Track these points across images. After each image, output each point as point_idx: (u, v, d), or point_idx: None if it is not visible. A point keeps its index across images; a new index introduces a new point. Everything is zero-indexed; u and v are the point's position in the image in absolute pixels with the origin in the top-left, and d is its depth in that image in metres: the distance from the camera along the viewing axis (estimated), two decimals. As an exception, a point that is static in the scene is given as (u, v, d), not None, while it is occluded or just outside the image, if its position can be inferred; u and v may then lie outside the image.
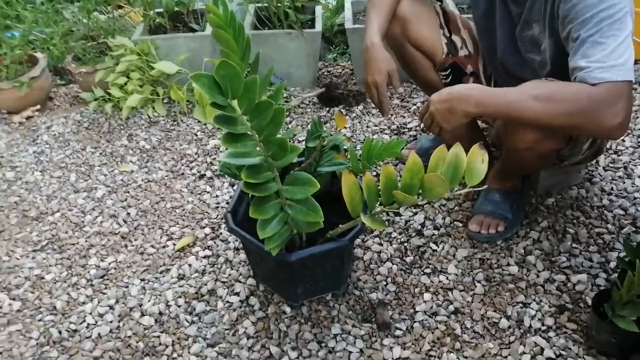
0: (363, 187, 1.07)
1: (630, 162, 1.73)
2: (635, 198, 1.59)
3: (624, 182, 1.65)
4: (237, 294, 1.39)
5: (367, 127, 2.02)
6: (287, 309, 1.34)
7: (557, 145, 1.27)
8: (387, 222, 1.57)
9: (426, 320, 1.30)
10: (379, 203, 1.09)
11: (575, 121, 1.07)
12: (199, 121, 2.10)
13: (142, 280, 1.46)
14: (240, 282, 1.43)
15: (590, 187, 1.64)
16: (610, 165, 1.73)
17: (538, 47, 1.28)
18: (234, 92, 0.94)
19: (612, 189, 1.63)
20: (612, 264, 1.40)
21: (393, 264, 1.45)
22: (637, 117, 1.92)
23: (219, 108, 0.97)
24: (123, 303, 1.40)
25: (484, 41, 1.50)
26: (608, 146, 1.80)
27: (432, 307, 1.33)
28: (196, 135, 2.05)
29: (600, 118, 1.05)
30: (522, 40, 1.30)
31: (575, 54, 1.09)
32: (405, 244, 1.51)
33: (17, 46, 2.22)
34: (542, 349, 1.22)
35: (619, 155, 1.76)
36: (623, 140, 1.82)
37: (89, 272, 1.49)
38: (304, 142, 1.34)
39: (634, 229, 1.50)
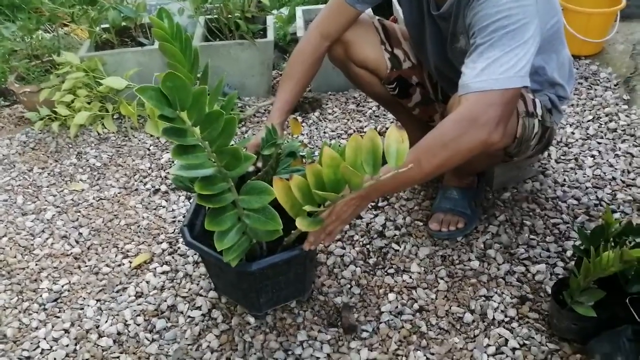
0: (294, 191, 1.04)
1: (580, 153, 1.78)
2: (587, 188, 1.64)
3: (576, 173, 1.70)
4: (199, 308, 1.35)
5: (324, 132, 2.01)
6: (251, 320, 1.31)
7: (503, 145, 1.28)
8: (349, 225, 1.56)
9: (392, 320, 1.29)
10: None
11: (462, 147, 1.10)
12: (151, 135, 2.05)
13: (98, 300, 1.40)
14: (201, 295, 1.39)
15: (544, 180, 1.68)
16: (562, 157, 1.78)
17: None
18: (182, 104, 0.92)
19: (564, 180, 1.68)
20: (569, 253, 1.43)
21: (356, 267, 1.44)
22: (585, 111, 1.99)
23: (167, 120, 0.94)
24: (79, 325, 1.34)
25: (418, 53, 1.53)
26: (559, 139, 1.85)
27: (397, 307, 1.32)
28: (149, 149, 2.00)
29: (475, 134, 1.09)
30: (453, 52, 1.33)
31: (468, 57, 1.14)
32: (368, 246, 1.50)
33: (-46, 68, 2.12)
34: (507, 340, 1.23)
35: (569, 148, 1.81)
36: (573, 133, 1.88)
37: (40, 296, 1.42)
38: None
39: (587, 217, 1.53)
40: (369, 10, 2.28)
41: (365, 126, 2.02)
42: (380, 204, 1.64)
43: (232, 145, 1.00)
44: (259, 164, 1.32)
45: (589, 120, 1.93)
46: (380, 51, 1.52)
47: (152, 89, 0.91)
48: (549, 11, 1.23)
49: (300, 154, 1.32)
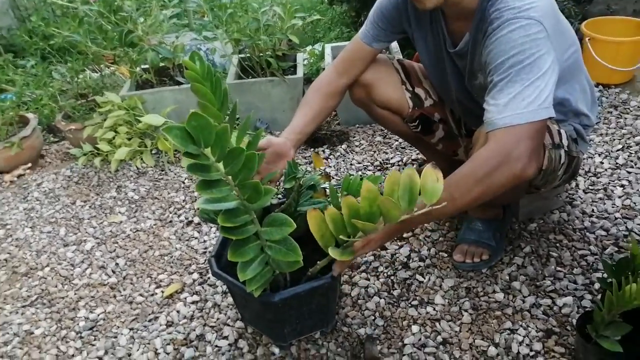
0: (328, 221, 1.08)
1: (609, 183, 1.76)
2: (616, 218, 1.61)
3: (605, 204, 1.67)
4: (226, 337, 1.39)
5: (351, 164, 2.05)
6: (276, 350, 1.34)
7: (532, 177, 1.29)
8: (374, 256, 1.58)
9: (415, 352, 1.30)
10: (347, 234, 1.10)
11: (496, 182, 1.10)
12: (186, 169, 2.14)
13: (131, 329, 1.46)
14: (228, 325, 1.43)
15: (571, 210, 1.66)
16: (590, 187, 1.75)
17: None
18: (206, 141, 0.98)
19: (593, 210, 1.65)
20: (597, 285, 1.41)
21: (380, 298, 1.45)
22: (614, 140, 1.96)
23: (192, 157, 1.00)
24: (112, 354, 1.39)
25: (440, 89, 1.56)
26: (587, 169, 1.83)
27: (420, 339, 1.33)
28: (184, 182, 2.09)
29: (508, 169, 1.09)
30: (473, 89, 1.36)
31: (488, 95, 1.16)
32: (392, 277, 1.52)
33: (8, 108, 2.28)
34: (531, 375, 1.21)
35: (598, 178, 1.79)
36: (601, 163, 1.85)
37: (78, 324, 1.50)
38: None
39: (616, 249, 1.51)
40: (395, 44, 2.34)
41: (392, 158, 2.05)
42: (405, 235, 1.66)
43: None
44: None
45: (618, 150, 1.90)
46: (401, 91, 1.56)
47: (178, 128, 0.97)
48: (564, 42, 1.25)
49: (322, 186, 1.36)
